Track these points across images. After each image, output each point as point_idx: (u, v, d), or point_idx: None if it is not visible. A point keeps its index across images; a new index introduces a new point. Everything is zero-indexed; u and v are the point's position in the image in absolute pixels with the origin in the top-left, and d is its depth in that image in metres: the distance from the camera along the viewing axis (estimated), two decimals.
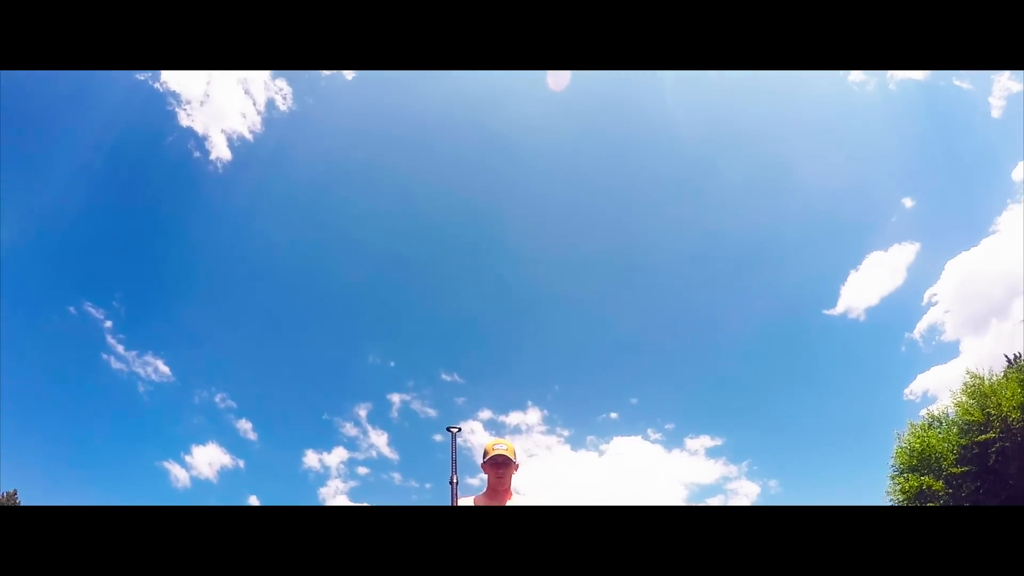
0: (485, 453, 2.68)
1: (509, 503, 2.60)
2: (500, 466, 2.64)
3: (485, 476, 2.70)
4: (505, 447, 2.67)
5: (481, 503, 2.65)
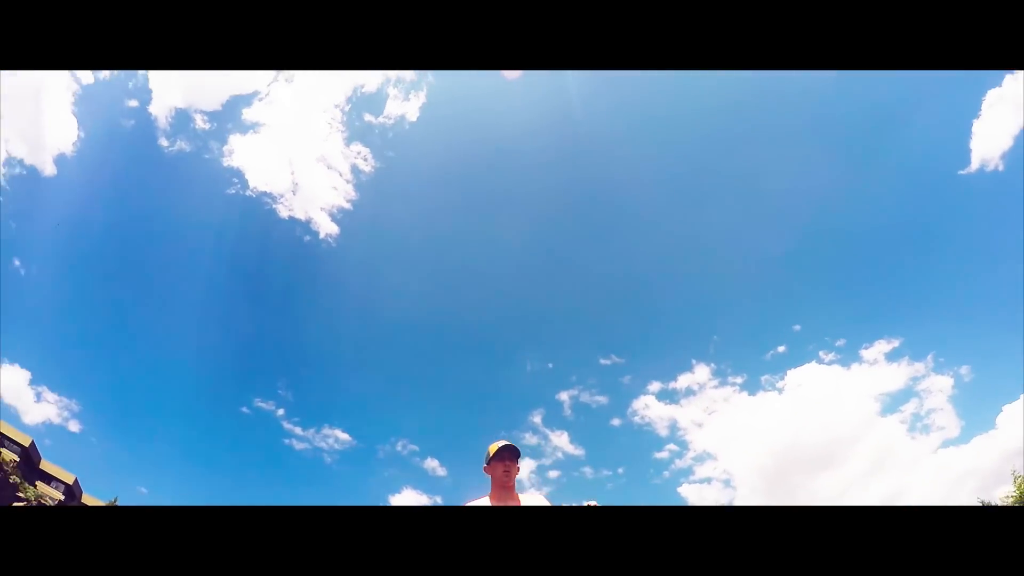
0: (488, 454, 2.66)
1: (519, 503, 2.58)
2: (507, 460, 2.61)
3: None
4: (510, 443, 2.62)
5: (491, 503, 2.62)
